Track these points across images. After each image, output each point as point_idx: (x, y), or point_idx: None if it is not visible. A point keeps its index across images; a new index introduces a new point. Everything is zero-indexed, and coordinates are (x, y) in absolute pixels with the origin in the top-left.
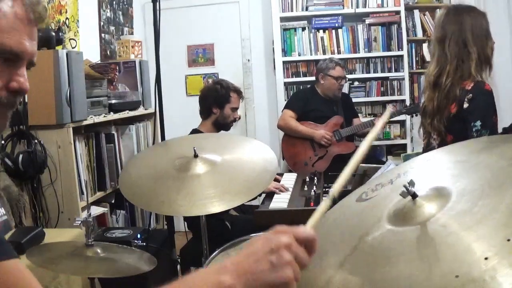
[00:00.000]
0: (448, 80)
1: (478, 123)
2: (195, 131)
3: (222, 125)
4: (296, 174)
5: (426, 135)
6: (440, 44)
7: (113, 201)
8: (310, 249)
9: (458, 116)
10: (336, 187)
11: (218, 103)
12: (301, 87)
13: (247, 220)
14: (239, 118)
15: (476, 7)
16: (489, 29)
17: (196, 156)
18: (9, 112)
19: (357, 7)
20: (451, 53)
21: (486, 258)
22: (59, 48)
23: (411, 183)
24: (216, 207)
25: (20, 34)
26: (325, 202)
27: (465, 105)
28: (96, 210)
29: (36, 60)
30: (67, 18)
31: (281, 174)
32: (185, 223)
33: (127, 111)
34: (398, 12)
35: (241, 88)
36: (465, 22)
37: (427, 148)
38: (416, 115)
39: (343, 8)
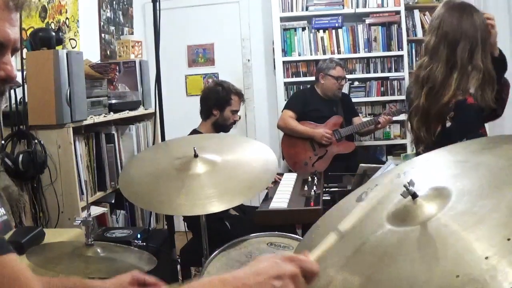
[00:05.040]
0: (447, 96)
1: (464, 140)
2: (194, 132)
3: (222, 127)
4: (296, 174)
5: (415, 140)
6: (451, 45)
7: (113, 201)
8: (309, 280)
9: (443, 134)
10: (346, 224)
11: (218, 105)
12: (301, 87)
13: (247, 220)
14: (239, 118)
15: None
16: None
17: (196, 156)
18: (0, 100)
19: (357, 7)
20: (462, 60)
21: (486, 258)
22: (59, 48)
23: (411, 183)
24: (216, 207)
25: (0, 22)
26: (332, 236)
27: (447, 124)
28: (96, 210)
29: (19, 45)
30: (67, 18)
31: (281, 174)
32: (185, 223)
33: (127, 111)
34: (398, 12)
35: (241, 88)
36: (477, 25)
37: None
38: None
39: (343, 8)
